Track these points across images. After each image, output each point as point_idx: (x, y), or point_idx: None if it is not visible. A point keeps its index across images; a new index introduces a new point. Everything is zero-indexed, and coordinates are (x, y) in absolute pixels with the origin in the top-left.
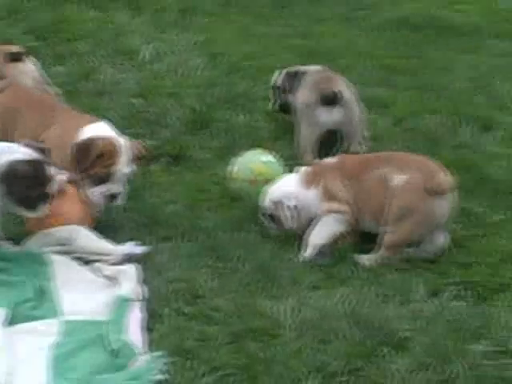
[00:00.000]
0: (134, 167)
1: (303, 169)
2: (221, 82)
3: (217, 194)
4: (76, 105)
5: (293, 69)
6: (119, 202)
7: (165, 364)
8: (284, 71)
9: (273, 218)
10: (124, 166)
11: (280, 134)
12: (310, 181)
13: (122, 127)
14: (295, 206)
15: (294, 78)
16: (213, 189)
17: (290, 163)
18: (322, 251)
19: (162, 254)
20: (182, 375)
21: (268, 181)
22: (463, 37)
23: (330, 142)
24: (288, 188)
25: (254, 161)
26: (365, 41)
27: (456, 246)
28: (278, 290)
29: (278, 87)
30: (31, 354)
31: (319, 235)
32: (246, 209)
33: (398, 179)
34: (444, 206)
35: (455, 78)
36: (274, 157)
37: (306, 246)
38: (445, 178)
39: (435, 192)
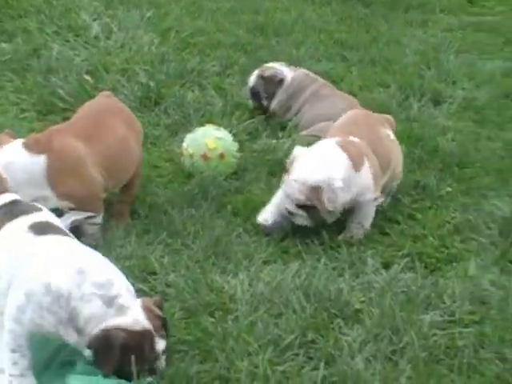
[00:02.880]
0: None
1: (343, 147)
2: (171, 58)
3: (169, 171)
4: (25, 82)
5: (268, 72)
6: None
7: None
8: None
9: (306, 208)
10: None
11: (231, 109)
12: (358, 162)
13: (72, 105)
14: (342, 189)
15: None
16: (165, 165)
17: (241, 139)
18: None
19: (114, 232)
20: None
21: (221, 156)
22: (412, 11)
23: None
24: (336, 170)
25: (208, 136)
26: (315, 16)
27: (407, 218)
28: (231, 265)
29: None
30: None
31: (368, 220)
32: (198, 185)
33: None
34: None
35: (405, 51)
36: (227, 132)
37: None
38: None
39: None
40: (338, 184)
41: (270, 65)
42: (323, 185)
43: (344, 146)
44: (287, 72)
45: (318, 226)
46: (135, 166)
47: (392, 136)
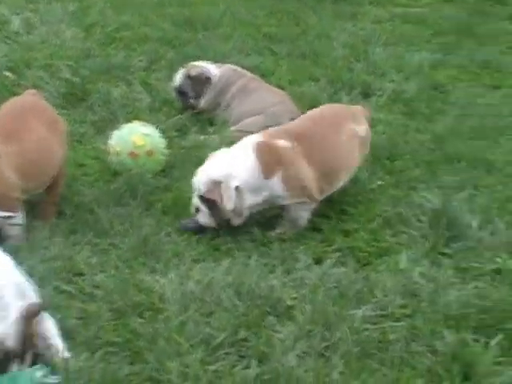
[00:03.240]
0: None
1: (257, 151)
2: (96, 53)
3: (96, 169)
4: None
5: (194, 71)
6: None
7: None
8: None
9: (209, 203)
10: None
11: (159, 105)
12: (269, 168)
13: None
14: (237, 188)
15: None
16: (91, 163)
17: (169, 135)
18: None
19: (39, 232)
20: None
21: (149, 153)
22: (341, 3)
23: None
24: (239, 171)
25: (135, 133)
26: (244, 9)
27: (339, 213)
28: (160, 264)
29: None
30: None
31: (300, 220)
32: (126, 183)
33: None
34: None
35: (334, 45)
36: (155, 129)
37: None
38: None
39: None
40: (235, 183)
41: (196, 63)
42: (222, 180)
43: (260, 150)
44: (214, 69)
45: (223, 227)
46: (57, 168)
47: (362, 131)
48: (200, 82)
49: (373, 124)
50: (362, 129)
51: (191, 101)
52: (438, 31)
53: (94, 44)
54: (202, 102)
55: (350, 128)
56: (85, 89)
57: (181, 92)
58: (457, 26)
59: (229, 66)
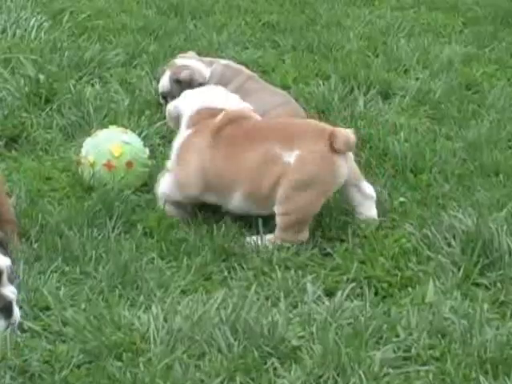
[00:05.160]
0: None
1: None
2: (65, 46)
3: (65, 183)
4: None
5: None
6: None
7: None
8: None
9: None
10: None
11: (140, 107)
12: (193, 123)
13: None
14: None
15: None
16: (60, 177)
17: (153, 143)
18: None
19: None
20: None
21: (129, 164)
22: None
23: None
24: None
25: (112, 140)
26: None
27: (352, 236)
28: (142, 296)
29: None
30: None
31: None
32: (101, 200)
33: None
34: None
35: (348, 36)
36: (135, 136)
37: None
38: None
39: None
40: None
41: (181, 61)
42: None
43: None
44: (204, 69)
45: None
46: None
47: (290, 157)
48: (191, 87)
49: (394, 130)
50: (292, 154)
51: None
52: (471, 19)
53: (63, 35)
54: None
55: (271, 149)
56: (52, 88)
57: (168, 97)
58: (494, 13)
59: (221, 63)
